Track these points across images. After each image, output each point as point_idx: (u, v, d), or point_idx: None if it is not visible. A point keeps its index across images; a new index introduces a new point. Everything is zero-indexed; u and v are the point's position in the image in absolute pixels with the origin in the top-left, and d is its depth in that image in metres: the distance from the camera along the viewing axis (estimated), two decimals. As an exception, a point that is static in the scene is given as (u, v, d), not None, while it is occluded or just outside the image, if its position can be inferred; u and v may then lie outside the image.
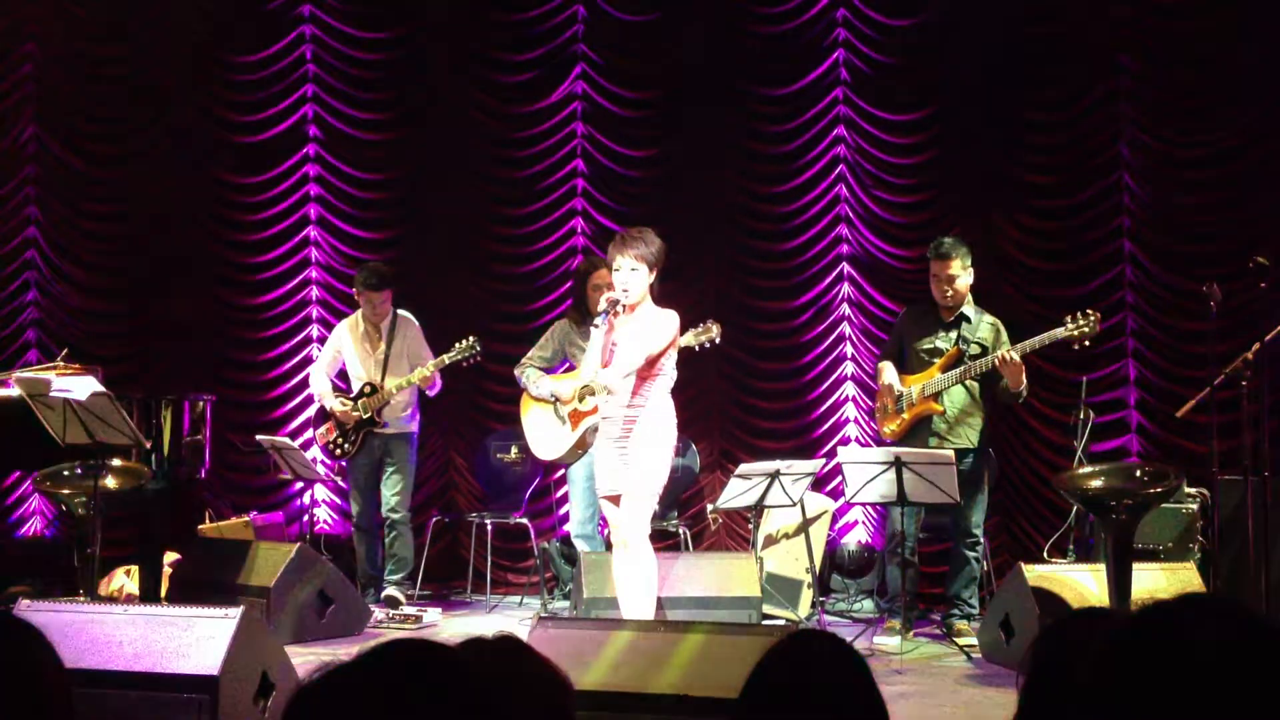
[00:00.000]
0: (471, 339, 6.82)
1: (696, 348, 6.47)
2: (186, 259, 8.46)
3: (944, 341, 6.51)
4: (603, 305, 5.32)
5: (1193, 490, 6.54)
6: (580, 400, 6.49)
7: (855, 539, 7.91)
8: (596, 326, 5.36)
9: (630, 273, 5.30)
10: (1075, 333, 6.09)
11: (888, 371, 6.61)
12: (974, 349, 6.43)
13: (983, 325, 6.50)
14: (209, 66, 8.49)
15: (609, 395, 5.34)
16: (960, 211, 7.66)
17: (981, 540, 6.58)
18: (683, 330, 6.42)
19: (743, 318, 7.86)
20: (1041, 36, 7.68)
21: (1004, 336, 6.45)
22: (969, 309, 6.51)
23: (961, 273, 6.45)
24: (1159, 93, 7.53)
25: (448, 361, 6.87)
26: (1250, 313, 6.29)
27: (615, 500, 5.34)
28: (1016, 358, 6.13)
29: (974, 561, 6.52)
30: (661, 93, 8.21)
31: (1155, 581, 5.54)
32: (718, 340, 6.39)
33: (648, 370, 5.27)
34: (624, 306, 5.32)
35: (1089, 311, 6.15)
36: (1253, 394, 5.82)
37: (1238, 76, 7.37)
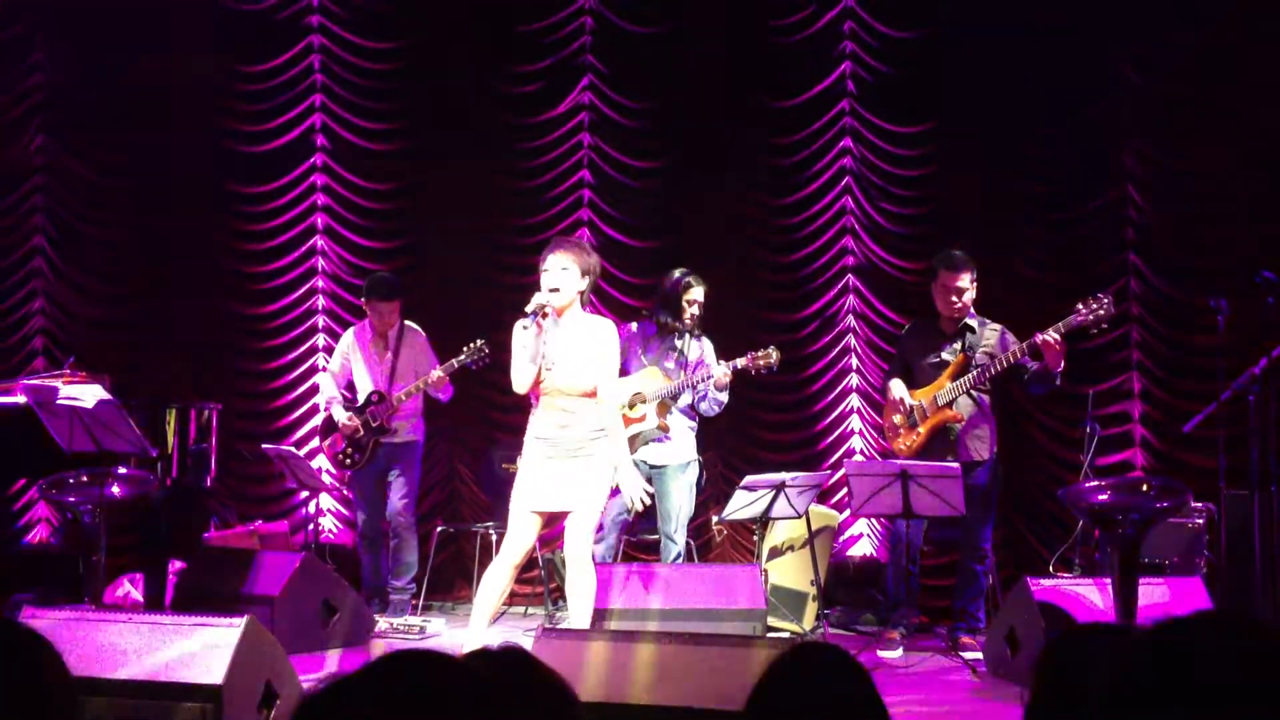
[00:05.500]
0: (479, 341, 6.81)
1: (753, 371, 6.49)
2: (193, 268, 8.48)
3: (950, 354, 6.50)
4: (532, 306, 5.16)
5: (1199, 505, 6.52)
6: (630, 408, 6.49)
7: (861, 551, 7.90)
8: (525, 328, 5.17)
9: (561, 272, 5.20)
10: (1091, 317, 6.08)
11: (897, 386, 6.59)
12: (981, 358, 6.42)
13: (989, 334, 6.49)
14: (217, 76, 8.50)
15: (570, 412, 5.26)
16: (965, 223, 7.66)
17: (989, 554, 6.56)
18: (738, 353, 6.46)
19: (748, 329, 7.86)
20: (1046, 49, 7.69)
21: (1013, 343, 6.43)
22: (972, 320, 6.51)
23: (970, 286, 6.45)
24: (1163, 104, 7.54)
25: (457, 365, 6.87)
26: (1257, 327, 6.29)
27: (548, 516, 5.31)
28: (1057, 337, 6.09)
29: (981, 575, 6.50)
30: (668, 104, 8.22)
31: (1162, 596, 5.52)
32: (775, 368, 6.44)
33: (589, 389, 5.22)
34: (553, 309, 5.18)
35: (1100, 295, 6.13)
36: (1260, 408, 5.81)
37: (1242, 88, 7.37)
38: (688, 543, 7.36)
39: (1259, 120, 7.33)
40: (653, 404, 6.55)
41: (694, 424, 6.77)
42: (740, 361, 6.45)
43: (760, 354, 6.44)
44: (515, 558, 5.25)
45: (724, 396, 6.62)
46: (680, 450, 6.68)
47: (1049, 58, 7.68)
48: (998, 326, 6.52)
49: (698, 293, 6.72)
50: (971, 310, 6.52)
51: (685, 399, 6.68)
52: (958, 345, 6.49)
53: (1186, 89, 7.49)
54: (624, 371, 6.53)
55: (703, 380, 6.53)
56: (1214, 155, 7.44)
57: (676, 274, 6.78)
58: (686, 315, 6.70)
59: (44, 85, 8.55)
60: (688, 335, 6.73)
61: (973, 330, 6.49)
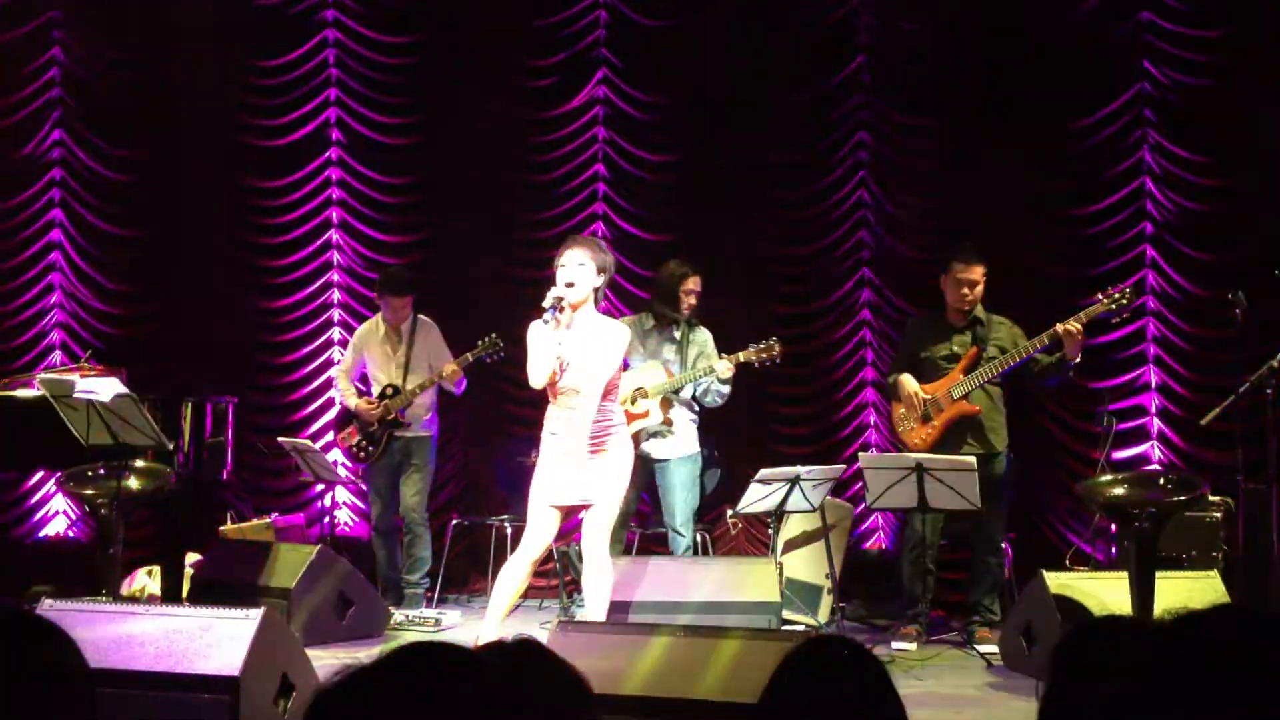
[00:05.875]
0: (493, 335, 6.84)
1: (756, 364, 6.48)
2: (209, 262, 8.50)
3: (959, 346, 6.49)
4: (548, 301, 5.16)
5: (1216, 498, 6.50)
6: (632, 403, 6.49)
7: (876, 544, 7.89)
8: (545, 322, 5.17)
9: (578, 268, 5.22)
10: (1113, 305, 6.09)
11: (909, 381, 6.56)
12: (992, 351, 6.42)
13: (998, 328, 6.48)
14: (232, 71, 8.52)
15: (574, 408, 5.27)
16: (981, 216, 7.63)
17: (1003, 546, 6.55)
18: (744, 345, 6.45)
19: (763, 322, 7.84)
20: (1063, 41, 7.65)
21: (1021, 337, 6.43)
22: (979, 313, 6.50)
23: (981, 279, 6.44)
24: (1182, 99, 7.50)
25: (471, 359, 6.89)
26: (1275, 321, 6.26)
27: (566, 510, 5.32)
28: (1079, 326, 6.10)
29: (996, 568, 6.49)
30: (683, 97, 8.21)
31: (1179, 590, 5.50)
32: (779, 360, 6.42)
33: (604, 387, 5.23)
34: (569, 304, 5.17)
35: (1121, 285, 6.18)
36: (1277, 402, 5.78)
37: (1259, 81, 7.33)
38: (702, 535, 7.37)
39: (1276, 113, 7.28)
40: (655, 399, 6.54)
41: (696, 416, 6.77)
42: (743, 354, 6.44)
43: (763, 346, 6.43)
44: (534, 553, 5.28)
45: (727, 389, 6.61)
46: (683, 443, 6.69)
47: (1066, 50, 7.64)
48: (1005, 320, 6.52)
49: (694, 283, 6.71)
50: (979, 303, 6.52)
51: (687, 391, 6.67)
52: (967, 337, 6.48)
53: (1204, 82, 7.44)
54: (624, 366, 6.55)
55: (704, 373, 6.53)
56: (1231, 149, 7.40)
57: (672, 265, 6.79)
58: (684, 306, 6.69)
59: (60, 80, 8.57)
60: (685, 326, 6.72)
61: (981, 323, 6.48)
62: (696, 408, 6.77)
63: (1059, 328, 6.12)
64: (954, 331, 6.52)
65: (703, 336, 6.77)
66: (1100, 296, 6.12)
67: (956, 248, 6.52)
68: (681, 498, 6.66)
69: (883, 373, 7.91)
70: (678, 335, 6.71)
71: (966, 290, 6.42)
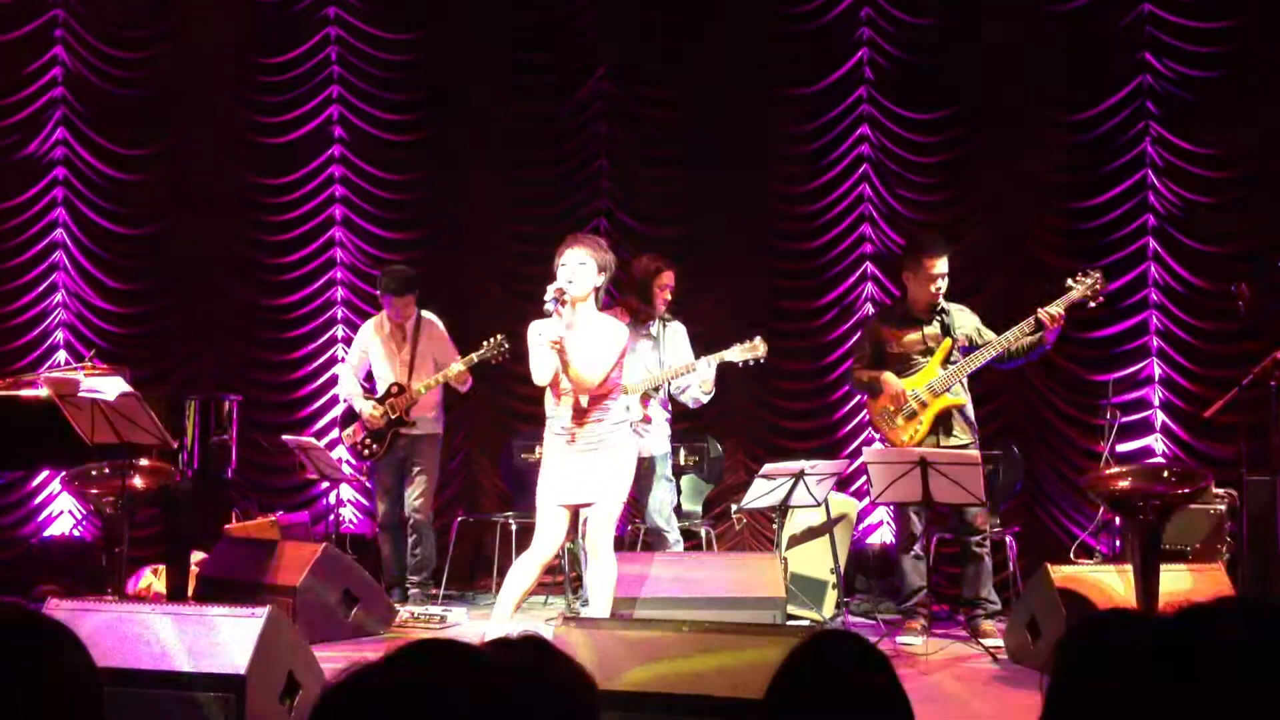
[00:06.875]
0: (499, 337, 6.83)
1: (740, 364, 6.45)
2: (212, 260, 8.51)
3: (932, 339, 6.45)
4: (549, 294, 5.15)
5: (1220, 491, 6.49)
6: None
7: (880, 539, 7.89)
8: (547, 315, 5.17)
9: (579, 266, 5.21)
10: (1089, 291, 6.12)
11: (894, 379, 6.46)
12: (959, 340, 6.42)
13: (959, 316, 6.46)
14: (235, 68, 8.53)
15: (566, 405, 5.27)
16: (983, 210, 7.63)
17: (989, 533, 6.49)
18: (727, 345, 6.43)
19: (767, 317, 7.85)
20: (1066, 35, 7.65)
21: (979, 322, 6.44)
22: (941, 302, 6.49)
23: (947, 269, 6.42)
24: (1184, 91, 7.49)
25: (476, 360, 6.89)
26: (1278, 312, 6.26)
27: (574, 509, 5.33)
28: (1060, 312, 6.12)
29: (986, 557, 6.45)
30: (686, 92, 8.20)
31: (1183, 583, 5.50)
32: (763, 359, 6.39)
33: (603, 385, 5.22)
34: (569, 299, 5.17)
35: (1090, 270, 6.21)
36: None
37: (1262, 73, 7.32)
38: (706, 531, 7.37)
39: (1278, 105, 7.27)
40: (634, 395, 6.52)
41: (668, 414, 6.76)
42: (726, 353, 6.39)
43: (748, 345, 6.37)
44: (545, 554, 5.29)
45: (706, 398, 6.55)
46: (659, 441, 6.67)
47: (1068, 43, 7.64)
48: (963, 307, 6.51)
49: (669, 278, 6.66)
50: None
51: (663, 389, 6.65)
52: (937, 329, 6.44)
53: (1206, 74, 7.44)
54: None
55: (685, 371, 6.50)
56: (1234, 140, 7.39)
57: (645, 260, 6.74)
58: (659, 302, 6.66)
59: (63, 79, 8.58)
60: (660, 321, 6.70)
61: (946, 313, 6.45)
62: (669, 406, 6.75)
63: (1042, 314, 6.13)
64: (923, 324, 6.49)
65: (679, 332, 6.74)
66: (1070, 282, 6.16)
67: (923, 241, 6.49)
68: (659, 499, 6.65)
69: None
70: (654, 332, 6.68)
71: (938, 283, 6.39)
